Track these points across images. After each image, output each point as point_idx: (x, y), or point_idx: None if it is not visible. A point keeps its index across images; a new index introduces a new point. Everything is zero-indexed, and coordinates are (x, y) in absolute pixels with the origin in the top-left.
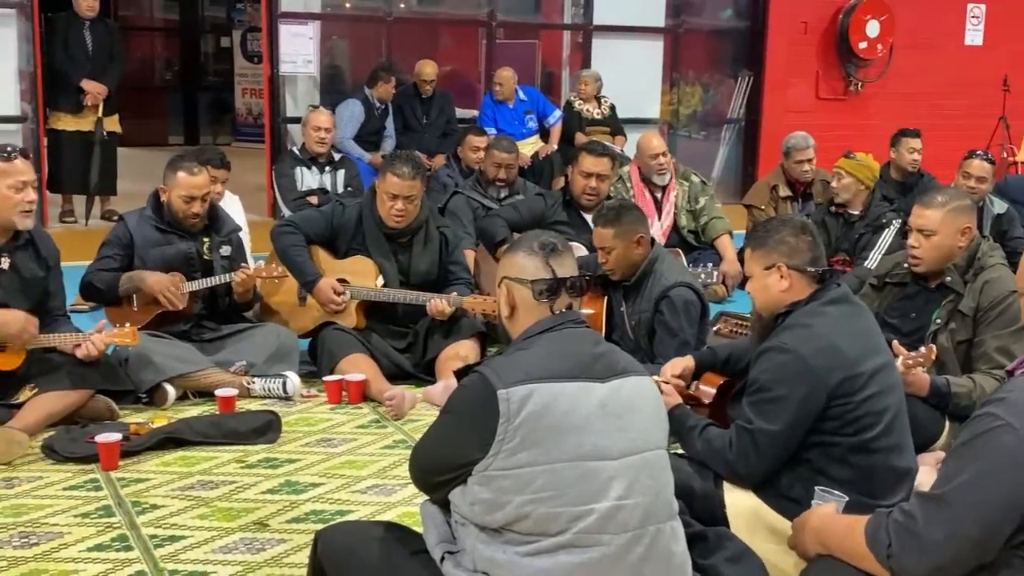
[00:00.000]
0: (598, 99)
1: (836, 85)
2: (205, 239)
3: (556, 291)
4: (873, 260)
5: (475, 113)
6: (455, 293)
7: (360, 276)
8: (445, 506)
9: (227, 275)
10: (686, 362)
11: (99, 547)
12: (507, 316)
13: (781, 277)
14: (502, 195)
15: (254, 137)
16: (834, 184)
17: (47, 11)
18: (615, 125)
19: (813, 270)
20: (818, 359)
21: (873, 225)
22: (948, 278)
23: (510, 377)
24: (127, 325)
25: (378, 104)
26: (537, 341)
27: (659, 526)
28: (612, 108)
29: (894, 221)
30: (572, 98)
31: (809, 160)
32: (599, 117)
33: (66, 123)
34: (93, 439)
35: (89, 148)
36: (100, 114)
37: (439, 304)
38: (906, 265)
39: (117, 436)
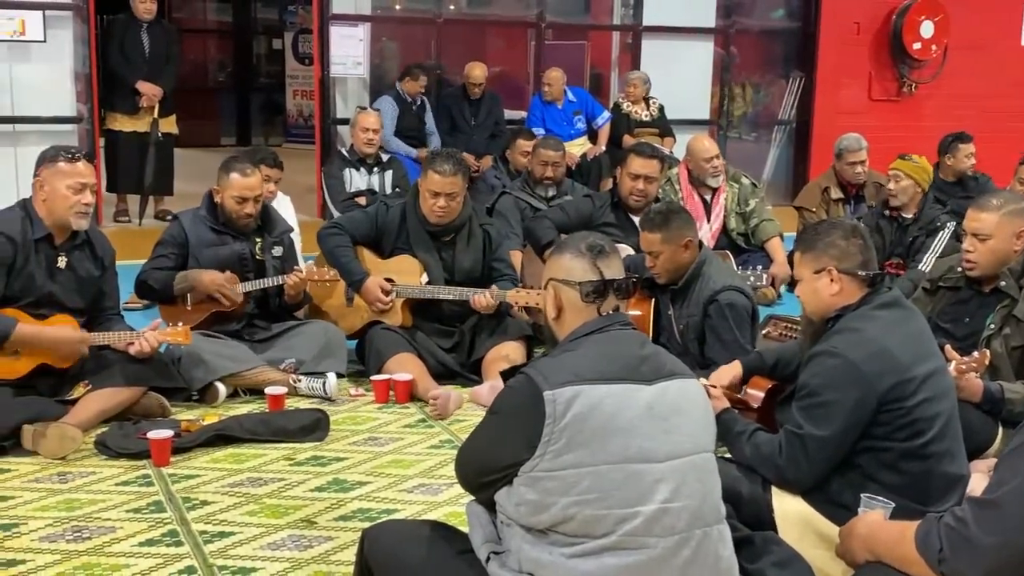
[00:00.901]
0: (647, 100)
1: (889, 86)
2: (258, 240)
3: (603, 293)
4: (927, 263)
5: (523, 114)
6: (494, 287)
7: (405, 275)
8: (491, 507)
9: (280, 277)
10: (734, 370)
11: (150, 542)
12: (553, 317)
13: (831, 281)
14: (550, 194)
15: (305, 138)
16: (891, 186)
17: (103, 13)
18: (664, 126)
19: (864, 274)
20: (869, 364)
21: (927, 228)
22: (1003, 283)
23: (556, 378)
24: (180, 324)
25: (409, 98)
26: (584, 343)
27: (706, 529)
28: (661, 109)
29: (948, 224)
30: (620, 100)
31: (862, 162)
32: (647, 119)
33: (122, 124)
34: (145, 435)
35: (144, 149)
36: (155, 115)
37: (482, 299)
38: (960, 269)
39: (168, 433)
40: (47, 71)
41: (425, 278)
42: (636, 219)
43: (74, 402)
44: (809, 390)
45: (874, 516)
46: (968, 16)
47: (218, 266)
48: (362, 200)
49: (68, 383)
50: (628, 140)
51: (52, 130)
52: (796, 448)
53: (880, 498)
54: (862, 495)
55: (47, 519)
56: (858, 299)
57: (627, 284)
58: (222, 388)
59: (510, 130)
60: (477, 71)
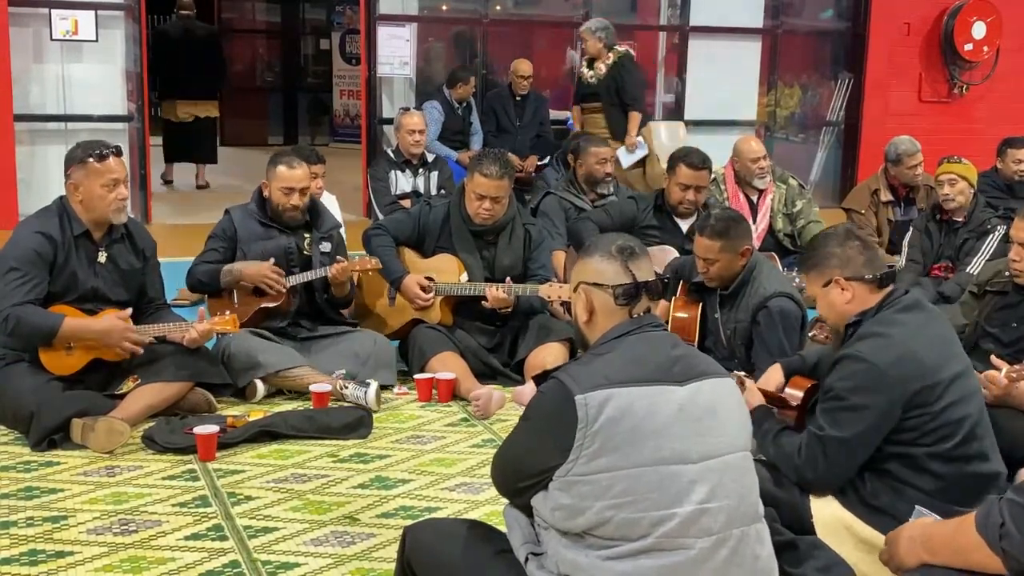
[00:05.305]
0: (609, 52)
1: (939, 88)
2: (306, 235)
3: (636, 295)
4: (976, 266)
5: (568, 115)
6: (509, 279)
7: (444, 273)
8: (528, 511)
9: (324, 268)
10: (776, 376)
11: (195, 536)
12: (584, 321)
13: (842, 290)
14: (611, 190)
15: (351, 138)
16: (947, 190)
17: (153, 13)
18: (622, 88)
19: (871, 276)
20: (896, 368)
21: (977, 231)
22: None
23: (588, 382)
24: (227, 313)
25: (457, 104)
26: (616, 346)
27: (744, 529)
28: (622, 60)
29: (999, 227)
30: (579, 63)
31: (920, 163)
32: (592, 80)
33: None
34: (191, 430)
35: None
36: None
37: (494, 292)
38: (1007, 273)
39: (214, 428)
40: (99, 70)
41: (465, 276)
42: (680, 222)
43: (123, 396)
44: (835, 393)
45: (925, 520)
46: (1021, 17)
47: (264, 259)
48: (406, 203)
49: (118, 377)
50: (575, 113)
51: (103, 128)
52: (816, 449)
53: (934, 515)
54: (916, 507)
55: (95, 512)
56: (876, 303)
57: (658, 285)
58: (260, 385)
59: (575, 138)
60: (524, 66)
